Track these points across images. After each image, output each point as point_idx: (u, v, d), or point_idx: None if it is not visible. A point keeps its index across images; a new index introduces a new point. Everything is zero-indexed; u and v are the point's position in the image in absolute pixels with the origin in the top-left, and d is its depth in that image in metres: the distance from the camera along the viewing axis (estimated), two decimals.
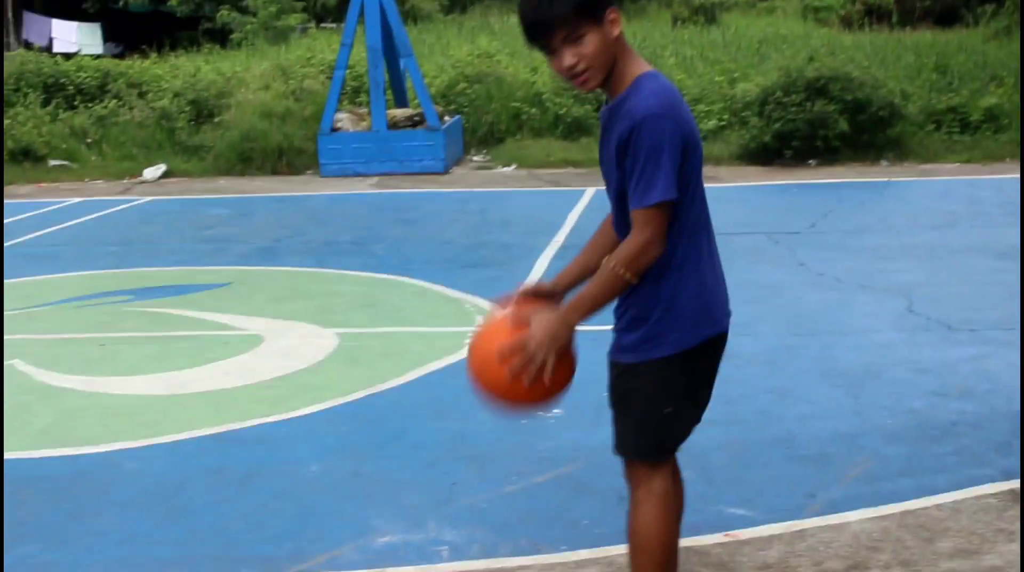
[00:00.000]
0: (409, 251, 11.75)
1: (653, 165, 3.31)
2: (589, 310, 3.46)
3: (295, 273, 10.90)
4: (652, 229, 3.35)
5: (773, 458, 5.79)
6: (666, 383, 3.54)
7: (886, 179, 15.57)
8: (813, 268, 10.18)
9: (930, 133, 17.84)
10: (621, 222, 3.53)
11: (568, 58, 3.36)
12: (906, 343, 7.76)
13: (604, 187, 3.65)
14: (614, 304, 3.57)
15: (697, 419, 3.73)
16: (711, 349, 3.61)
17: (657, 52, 22.51)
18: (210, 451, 6.24)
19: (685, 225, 3.46)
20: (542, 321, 3.47)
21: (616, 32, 3.40)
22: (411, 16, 31.03)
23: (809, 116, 16.71)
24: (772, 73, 18.31)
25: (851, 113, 16.95)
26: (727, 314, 3.66)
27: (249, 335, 8.60)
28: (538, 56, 21.46)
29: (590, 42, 3.34)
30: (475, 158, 18.85)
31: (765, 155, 17.12)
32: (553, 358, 3.44)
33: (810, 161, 16.93)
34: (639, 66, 3.46)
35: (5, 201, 16.15)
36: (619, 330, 3.60)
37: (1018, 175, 14.04)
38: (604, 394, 3.75)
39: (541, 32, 3.37)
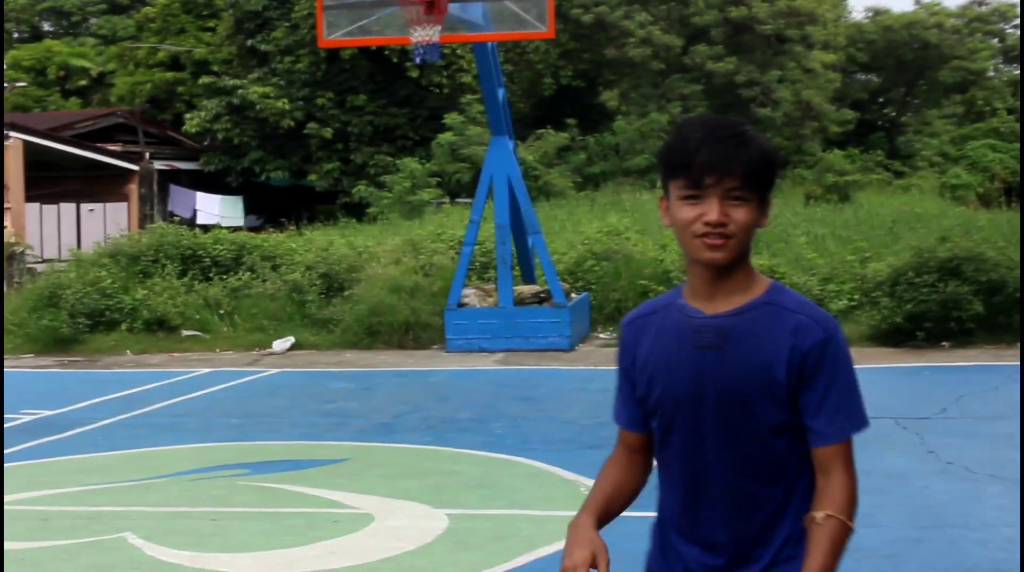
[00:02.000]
0: (528, 430, 11.63)
1: (854, 388, 2.89)
2: None
3: (411, 450, 10.84)
4: (853, 463, 2.89)
5: None
6: None
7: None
8: (942, 456, 9.83)
9: None
10: (749, 466, 2.92)
11: (716, 213, 2.80)
12: None
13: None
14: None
15: None
16: None
17: (788, 230, 22.41)
18: None
19: None
20: None
21: (765, 224, 2.92)
22: (543, 192, 31.43)
23: (942, 297, 16.40)
24: (905, 253, 18.08)
25: (986, 294, 16.62)
26: None
27: (359, 514, 8.52)
28: (668, 234, 21.66)
29: (748, 211, 2.83)
30: (601, 335, 18.78)
31: (897, 336, 16.79)
32: None
33: (943, 343, 16.57)
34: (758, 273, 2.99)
35: (137, 370, 16.47)
36: None
37: None
38: None
39: (710, 168, 2.79)
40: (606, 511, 3.11)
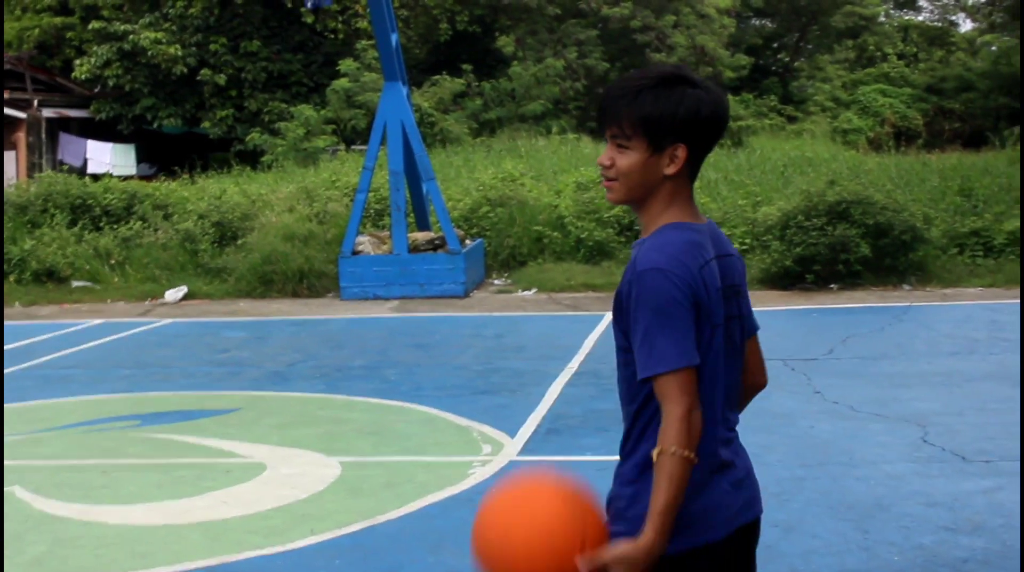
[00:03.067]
0: (421, 377, 11.65)
1: (653, 331, 2.99)
2: (671, 515, 2.95)
3: (304, 399, 10.82)
4: (679, 395, 2.97)
5: None
6: None
7: (907, 304, 15.47)
8: (828, 396, 10.04)
9: (953, 257, 17.76)
10: (620, 385, 3.21)
11: (605, 157, 3.16)
12: (918, 475, 7.60)
13: None
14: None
15: None
16: None
17: None
18: None
19: None
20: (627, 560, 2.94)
21: (670, 170, 3.10)
22: (439, 139, 31.32)
23: (831, 240, 16.66)
24: (795, 197, 18.30)
25: (873, 237, 16.90)
26: None
27: (252, 463, 8.51)
28: (562, 180, 21.74)
29: (630, 157, 3.10)
30: (496, 282, 18.84)
31: (786, 279, 17.05)
32: None
33: (831, 285, 16.86)
34: (674, 216, 3.14)
35: (26, 322, 16.22)
36: None
37: None
38: None
39: (603, 116, 3.15)
40: None
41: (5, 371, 12.10)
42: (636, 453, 3.11)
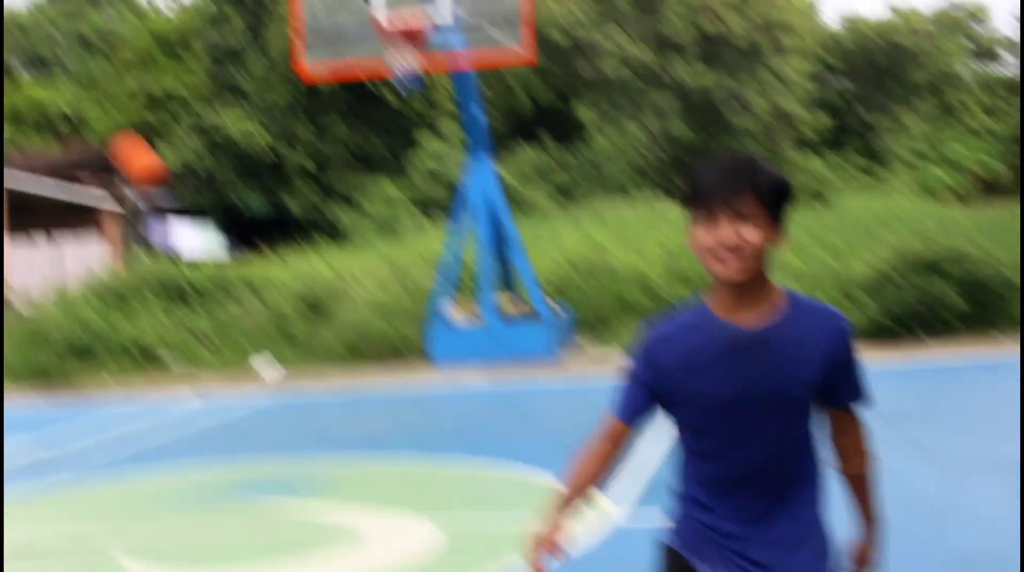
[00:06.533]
0: (518, 442, 11.66)
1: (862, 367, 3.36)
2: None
3: (404, 468, 10.85)
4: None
5: None
6: None
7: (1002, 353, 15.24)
8: (929, 448, 9.90)
9: None
10: (784, 447, 3.32)
11: (730, 233, 3.08)
12: None
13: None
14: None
15: None
16: None
17: None
18: None
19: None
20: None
21: (781, 243, 3.20)
22: (521, 209, 31.46)
23: (924, 296, 16.49)
24: (884, 252, 18.15)
25: (967, 290, 16.70)
26: None
27: (355, 532, 8.54)
28: (647, 247, 21.71)
29: (756, 231, 3.09)
30: (586, 347, 18.83)
31: (880, 335, 16.87)
32: None
33: (926, 339, 16.66)
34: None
35: (130, 404, 16.45)
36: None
37: None
38: None
39: (720, 193, 3.08)
40: (585, 489, 3.49)
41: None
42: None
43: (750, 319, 3.20)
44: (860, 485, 3.47)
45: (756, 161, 3.15)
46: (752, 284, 3.16)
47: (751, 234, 3.08)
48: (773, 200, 3.11)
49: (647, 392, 3.36)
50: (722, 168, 3.12)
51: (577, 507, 3.46)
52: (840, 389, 3.31)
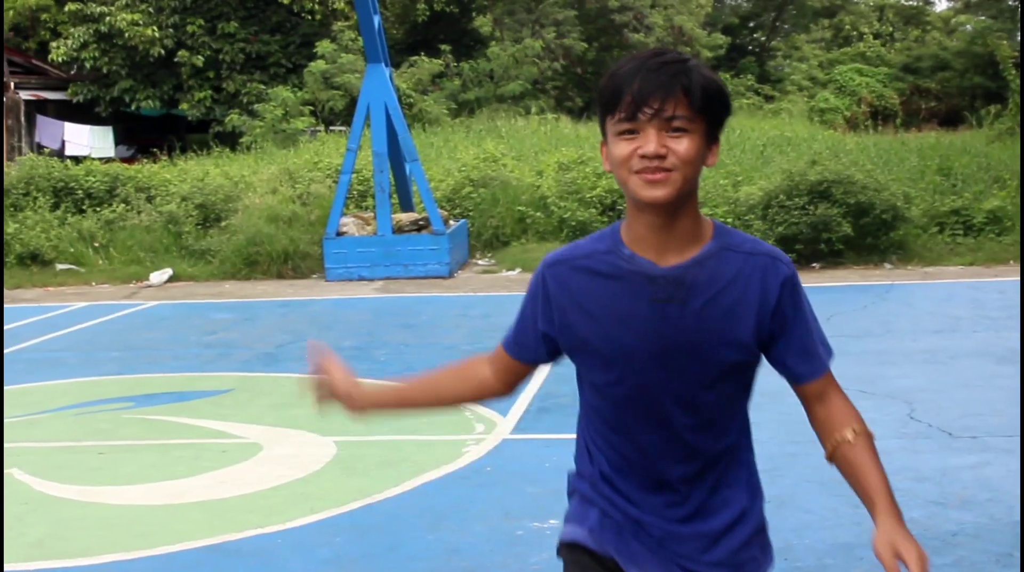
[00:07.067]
0: (410, 357, 11.75)
1: (815, 317, 2.84)
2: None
3: (295, 379, 10.86)
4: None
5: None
6: None
7: (889, 282, 15.60)
8: None
9: (933, 236, 17.89)
10: (709, 402, 2.82)
11: (653, 144, 2.55)
12: (906, 450, 7.71)
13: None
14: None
15: None
16: None
17: None
18: (204, 563, 6.20)
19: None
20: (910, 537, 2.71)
21: (712, 163, 2.69)
22: (419, 120, 31.35)
23: (812, 219, 16.78)
24: (776, 176, 18.40)
25: (854, 216, 17.02)
26: None
27: (247, 443, 8.58)
28: (543, 160, 21.79)
29: (691, 142, 2.58)
30: (480, 262, 18.92)
31: None
32: None
33: (814, 264, 16.98)
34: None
35: (12, 306, 16.22)
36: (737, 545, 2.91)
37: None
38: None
39: (646, 96, 2.54)
40: (409, 391, 3.21)
41: None
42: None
43: (668, 255, 2.69)
44: (856, 469, 2.88)
45: (689, 60, 2.61)
46: (676, 211, 2.64)
47: (682, 146, 2.56)
48: (709, 108, 2.60)
49: (536, 329, 2.91)
50: (648, 67, 2.57)
51: (388, 407, 3.19)
52: (787, 355, 2.82)
